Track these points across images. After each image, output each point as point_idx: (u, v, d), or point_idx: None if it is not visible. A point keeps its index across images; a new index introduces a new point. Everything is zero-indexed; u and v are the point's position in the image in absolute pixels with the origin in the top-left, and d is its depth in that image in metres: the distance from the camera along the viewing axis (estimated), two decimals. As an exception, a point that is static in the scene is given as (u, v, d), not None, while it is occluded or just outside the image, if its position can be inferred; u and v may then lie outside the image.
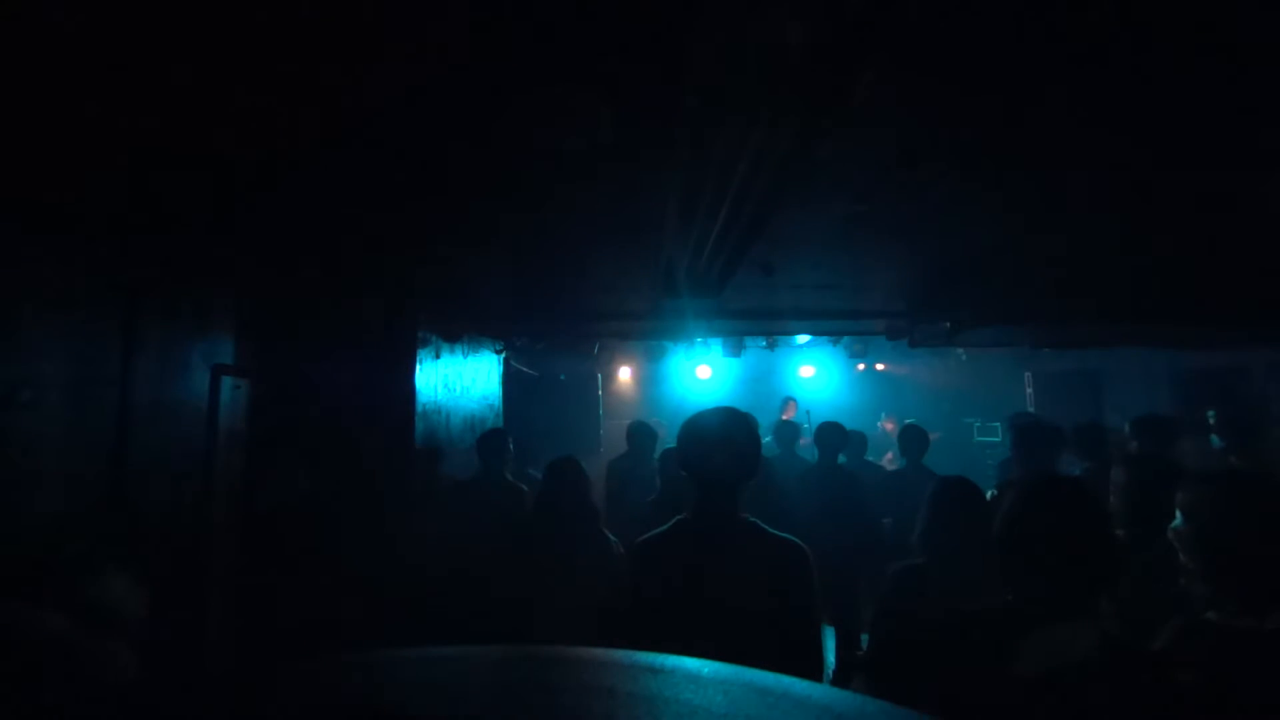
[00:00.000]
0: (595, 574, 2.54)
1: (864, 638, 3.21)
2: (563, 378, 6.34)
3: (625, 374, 8.54)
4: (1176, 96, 1.57)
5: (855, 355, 6.93)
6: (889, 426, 8.29)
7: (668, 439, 5.33)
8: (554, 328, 5.42)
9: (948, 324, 3.82)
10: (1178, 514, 1.40)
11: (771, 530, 1.68)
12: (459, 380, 4.37)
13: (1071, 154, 1.92)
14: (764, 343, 6.30)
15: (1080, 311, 3.43)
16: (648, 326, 5.16)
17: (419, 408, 3.62)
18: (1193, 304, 3.33)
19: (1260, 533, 1.24)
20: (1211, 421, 4.49)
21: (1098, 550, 1.22)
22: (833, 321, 4.84)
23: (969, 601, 1.41)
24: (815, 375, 8.72)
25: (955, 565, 1.93)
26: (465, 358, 4.55)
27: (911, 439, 4.32)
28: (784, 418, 6.32)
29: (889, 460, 6.52)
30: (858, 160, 1.92)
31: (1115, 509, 2.25)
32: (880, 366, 9.05)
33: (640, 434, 4.46)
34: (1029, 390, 6.85)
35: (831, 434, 4.19)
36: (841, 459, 4.39)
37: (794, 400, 7.46)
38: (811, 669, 1.59)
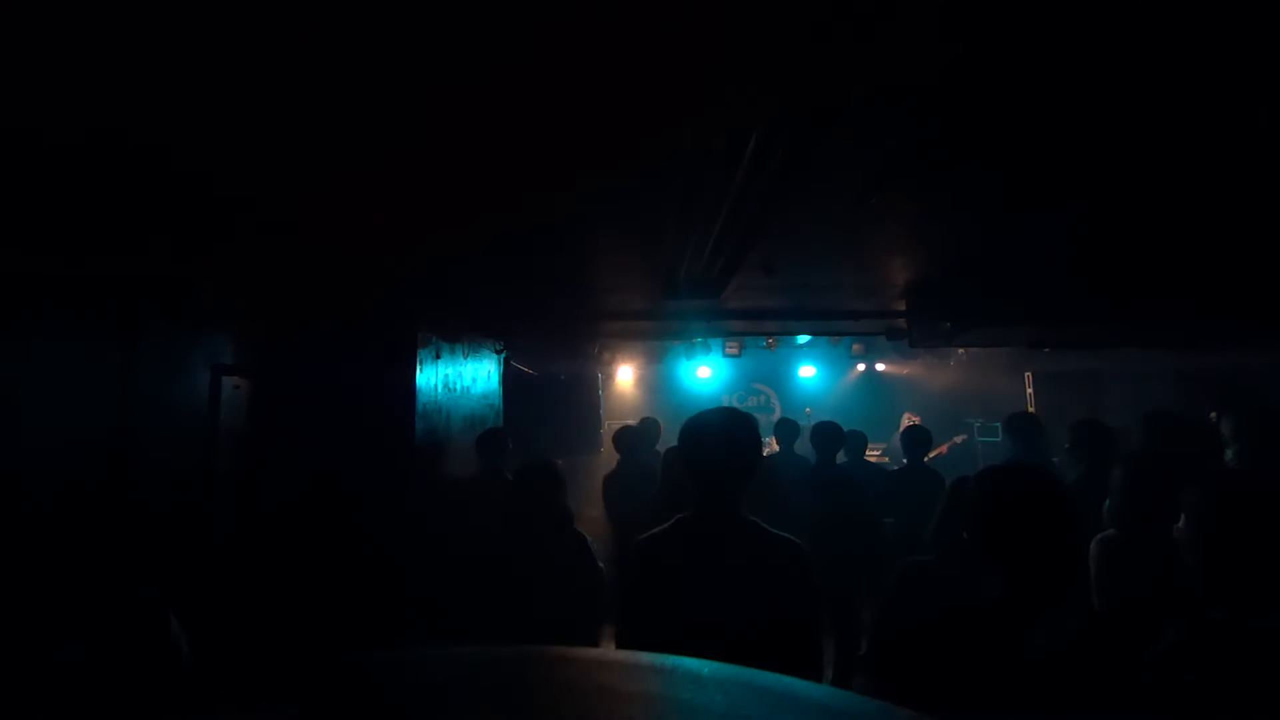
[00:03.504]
0: (572, 573, 2.58)
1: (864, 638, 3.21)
2: (563, 378, 6.35)
3: (625, 374, 8.53)
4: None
5: (855, 355, 6.94)
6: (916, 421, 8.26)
7: (669, 438, 5.28)
8: (554, 328, 5.42)
9: (948, 324, 3.82)
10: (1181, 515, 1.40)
11: (771, 529, 1.69)
12: (459, 380, 4.36)
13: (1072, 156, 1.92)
14: (764, 342, 6.30)
15: (1081, 311, 3.44)
16: (648, 327, 5.16)
17: (419, 408, 3.62)
18: (1194, 304, 3.34)
19: (1262, 533, 1.24)
20: (1214, 419, 4.48)
21: (1062, 539, 1.23)
22: (833, 321, 4.85)
23: (964, 596, 1.41)
24: (815, 375, 8.72)
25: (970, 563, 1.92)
26: (465, 358, 4.55)
27: (913, 439, 4.31)
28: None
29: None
30: (858, 161, 1.92)
31: (1116, 508, 2.24)
32: (880, 366, 9.04)
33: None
34: (1029, 390, 6.85)
35: (827, 433, 4.16)
36: (843, 459, 4.39)
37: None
38: (811, 668, 1.59)
